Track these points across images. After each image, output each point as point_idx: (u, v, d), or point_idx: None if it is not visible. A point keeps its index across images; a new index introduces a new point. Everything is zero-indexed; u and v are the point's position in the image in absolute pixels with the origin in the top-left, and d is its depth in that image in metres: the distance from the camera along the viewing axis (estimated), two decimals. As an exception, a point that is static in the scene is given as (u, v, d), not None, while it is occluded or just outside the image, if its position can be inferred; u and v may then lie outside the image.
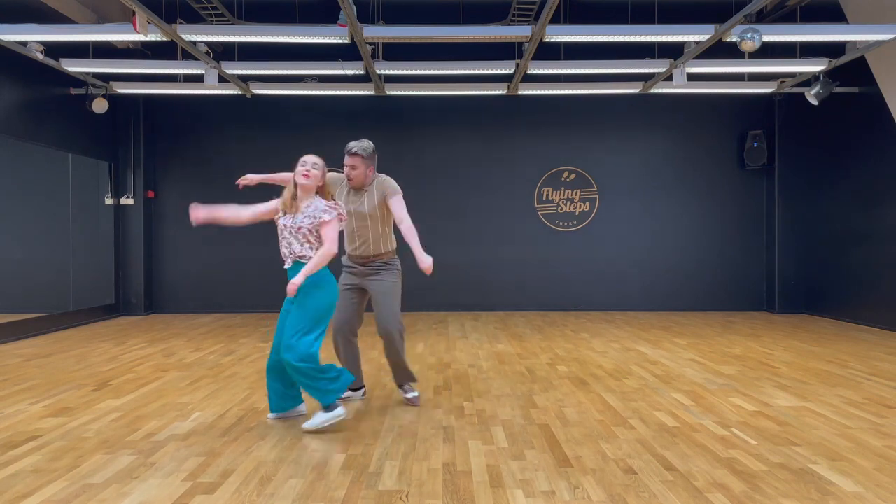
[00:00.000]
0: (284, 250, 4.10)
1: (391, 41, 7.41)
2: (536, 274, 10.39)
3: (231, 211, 4.37)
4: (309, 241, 4.02)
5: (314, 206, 4.05)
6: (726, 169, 10.48)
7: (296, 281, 3.88)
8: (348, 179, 4.55)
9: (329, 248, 3.97)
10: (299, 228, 4.02)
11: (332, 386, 4.01)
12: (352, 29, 6.53)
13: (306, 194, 4.10)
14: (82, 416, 4.40)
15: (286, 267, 4.10)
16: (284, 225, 4.10)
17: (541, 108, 10.35)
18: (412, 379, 4.81)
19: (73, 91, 8.94)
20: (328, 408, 4.03)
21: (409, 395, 4.74)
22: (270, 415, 4.34)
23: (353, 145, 4.50)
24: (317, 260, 3.94)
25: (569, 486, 3.15)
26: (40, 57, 7.32)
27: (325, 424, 4.02)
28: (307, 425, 4.03)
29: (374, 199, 4.54)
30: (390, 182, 4.58)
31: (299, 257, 4.03)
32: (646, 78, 8.76)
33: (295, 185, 4.14)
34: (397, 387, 4.84)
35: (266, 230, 10.27)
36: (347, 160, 4.51)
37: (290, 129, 10.41)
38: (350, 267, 4.66)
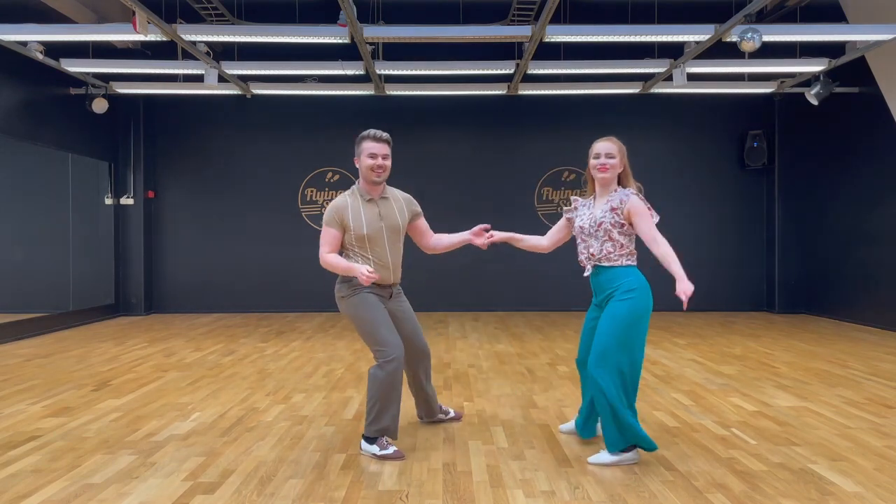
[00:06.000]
0: (582, 255, 3.69)
1: (391, 41, 7.41)
2: (536, 274, 10.38)
3: (531, 240, 4.03)
4: (611, 239, 3.55)
5: (617, 197, 3.57)
6: (726, 169, 10.47)
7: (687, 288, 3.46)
8: (374, 178, 3.74)
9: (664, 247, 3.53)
10: (600, 224, 3.56)
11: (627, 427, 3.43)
12: (352, 29, 6.53)
13: (604, 189, 3.63)
14: (82, 416, 4.40)
15: (585, 274, 3.70)
16: (581, 227, 3.67)
17: (541, 108, 10.35)
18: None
19: (73, 91, 8.93)
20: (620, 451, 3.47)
21: (453, 413, 4.28)
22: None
23: (378, 131, 3.77)
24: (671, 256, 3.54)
25: (569, 486, 3.15)
26: (40, 57, 7.32)
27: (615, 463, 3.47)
28: (593, 459, 3.51)
29: (405, 211, 3.91)
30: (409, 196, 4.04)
31: (598, 260, 3.59)
32: (646, 78, 8.76)
33: (592, 179, 3.70)
34: (431, 419, 4.19)
35: (266, 230, 10.32)
36: (377, 148, 3.73)
37: (290, 129, 10.41)
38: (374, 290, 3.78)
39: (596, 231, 3.55)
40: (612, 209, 3.52)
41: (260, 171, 10.42)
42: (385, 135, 3.76)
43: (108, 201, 9.99)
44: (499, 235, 3.91)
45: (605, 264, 3.55)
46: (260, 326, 8.80)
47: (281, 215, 10.38)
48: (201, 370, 5.92)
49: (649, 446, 3.45)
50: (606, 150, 3.58)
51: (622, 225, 3.53)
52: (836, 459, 3.52)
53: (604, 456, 3.46)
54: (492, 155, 10.49)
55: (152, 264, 10.39)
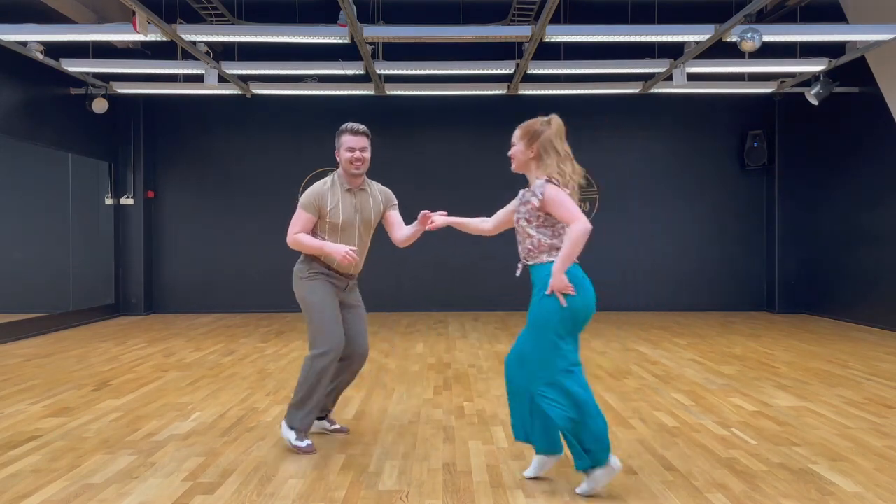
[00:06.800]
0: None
1: (391, 41, 7.41)
2: (536, 274, 10.37)
3: (475, 222, 3.70)
4: (529, 236, 3.18)
5: (531, 189, 3.20)
6: (726, 169, 10.47)
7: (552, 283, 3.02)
8: (353, 170, 3.75)
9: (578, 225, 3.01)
10: (517, 220, 3.25)
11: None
12: (352, 29, 6.53)
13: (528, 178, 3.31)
14: (82, 416, 4.40)
15: (517, 274, 3.36)
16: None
17: (541, 108, 10.23)
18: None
19: (73, 91, 8.94)
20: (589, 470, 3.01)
21: (338, 426, 4.03)
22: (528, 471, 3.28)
23: (356, 124, 3.77)
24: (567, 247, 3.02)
25: (569, 486, 3.15)
26: (40, 57, 7.32)
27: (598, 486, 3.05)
28: (580, 490, 3.06)
29: (380, 204, 3.90)
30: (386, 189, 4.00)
31: (524, 259, 3.25)
32: (646, 78, 8.76)
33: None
34: (324, 419, 3.98)
35: (266, 230, 10.32)
36: (354, 141, 3.72)
37: (290, 129, 10.40)
38: (333, 278, 3.81)
39: (516, 227, 3.25)
40: (523, 203, 3.20)
41: (260, 171, 10.41)
42: (362, 127, 3.77)
43: (108, 201, 9.99)
44: (439, 221, 3.66)
45: (530, 262, 3.21)
46: (260, 326, 8.80)
47: (281, 215, 10.30)
48: (201, 370, 5.92)
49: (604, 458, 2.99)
50: (512, 139, 3.36)
51: (538, 217, 3.13)
52: (836, 459, 3.52)
53: (585, 483, 3.05)
54: (492, 155, 10.39)
55: (152, 264, 10.39)
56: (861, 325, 8.71)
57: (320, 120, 10.31)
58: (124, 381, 5.48)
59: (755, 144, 10.14)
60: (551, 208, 3.08)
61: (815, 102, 8.46)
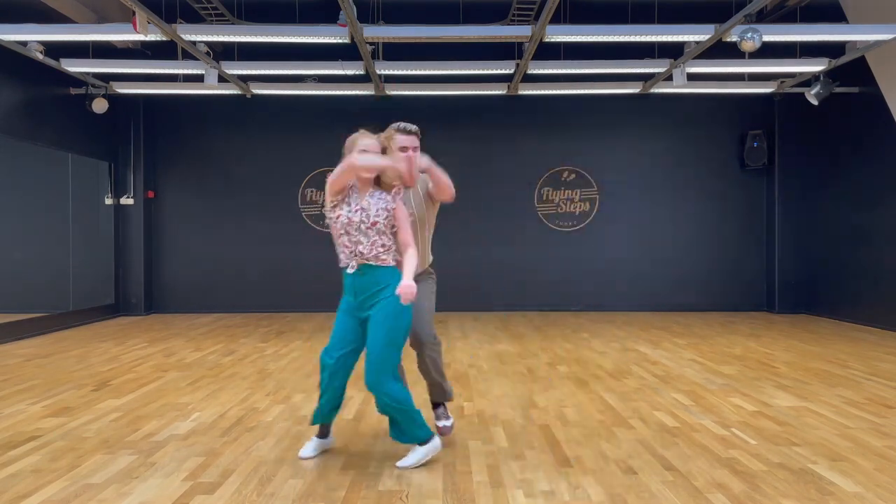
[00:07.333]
0: (345, 251, 3.50)
1: (391, 41, 7.41)
2: (536, 274, 10.38)
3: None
4: (381, 239, 3.48)
5: (391, 197, 3.55)
6: (726, 169, 10.47)
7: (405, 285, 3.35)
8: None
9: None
10: (374, 224, 3.44)
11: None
12: (352, 29, 6.53)
13: (365, 185, 3.58)
14: (82, 416, 4.40)
15: (349, 271, 3.49)
16: (350, 220, 3.47)
17: (541, 108, 10.34)
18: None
19: (73, 91, 8.93)
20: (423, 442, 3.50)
21: (444, 424, 4.02)
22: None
23: (406, 124, 3.80)
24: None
25: (569, 486, 3.15)
26: (40, 57, 7.32)
27: (425, 460, 3.49)
28: (402, 463, 3.47)
29: (420, 194, 3.91)
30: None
31: (366, 259, 3.46)
32: (646, 78, 8.76)
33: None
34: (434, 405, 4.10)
35: (266, 230, 10.32)
36: (408, 141, 3.72)
37: (290, 129, 10.41)
38: None
39: (368, 229, 3.43)
40: (387, 209, 3.49)
41: (260, 171, 10.42)
42: (414, 127, 3.77)
43: (108, 201, 9.99)
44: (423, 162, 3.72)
45: (374, 263, 3.45)
46: (260, 326, 8.80)
47: (281, 215, 10.37)
48: (201, 370, 5.93)
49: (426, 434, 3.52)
50: (416, 142, 3.66)
51: (393, 226, 3.52)
52: (836, 459, 3.52)
53: (413, 456, 3.46)
54: (492, 155, 10.48)
55: (152, 264, 10.39)
56: (861, 325, 8.71)
57: (320, 120, 10.33)
58: (124, 381, 5.48)
59: (755, 144, 10.14)
60: (402, 222, 3.53)
61: (815, 102, 8.46)
